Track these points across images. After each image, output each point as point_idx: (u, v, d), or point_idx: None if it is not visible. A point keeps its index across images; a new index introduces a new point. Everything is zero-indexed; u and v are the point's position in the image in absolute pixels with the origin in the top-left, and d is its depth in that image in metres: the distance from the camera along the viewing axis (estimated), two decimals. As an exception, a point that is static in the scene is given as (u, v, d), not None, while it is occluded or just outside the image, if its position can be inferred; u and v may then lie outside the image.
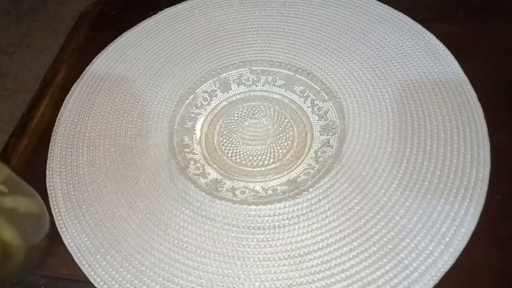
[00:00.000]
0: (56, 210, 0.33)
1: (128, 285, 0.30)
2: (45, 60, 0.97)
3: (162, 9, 0.47)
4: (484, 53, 0.40)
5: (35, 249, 0.32)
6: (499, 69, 0.39)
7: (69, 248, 0.32)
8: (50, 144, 0.37)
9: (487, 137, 0.34)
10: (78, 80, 0.41)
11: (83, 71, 0.42)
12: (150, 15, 0.46)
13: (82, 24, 0.48)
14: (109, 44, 0.44)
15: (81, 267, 0.31)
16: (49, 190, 0.34)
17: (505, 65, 0.39)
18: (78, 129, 0.38)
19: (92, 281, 0.31)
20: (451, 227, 0.30)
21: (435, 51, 0.40)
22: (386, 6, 0.44)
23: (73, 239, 0.32)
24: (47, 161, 0.36)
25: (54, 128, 0.38)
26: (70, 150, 0.37)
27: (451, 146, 0.34)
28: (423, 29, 0.41)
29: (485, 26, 0.42)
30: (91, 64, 0.42)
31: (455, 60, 0.39)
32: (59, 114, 0.39)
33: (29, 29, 1.01)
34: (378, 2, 0.44)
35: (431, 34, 0.41)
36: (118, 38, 0.44)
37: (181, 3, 0.47)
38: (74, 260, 0.31)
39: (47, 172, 0.35)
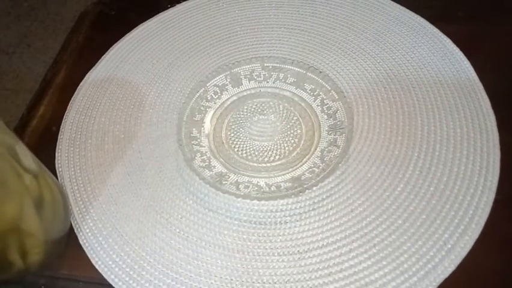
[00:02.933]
0: (63, 190, 0.34)
1: (128, 269, 0.30)
2: (45, 60, 0.96)
3: (179, 2, 0.47)
4: (484, 52, 0.40)
5: (55, 244, 0.30)
6: (499, 68, 0.38)
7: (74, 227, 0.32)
8: (61, 126, 0.38)
9: (497, 146, 0.33)
10: (93, 67, 0.42)
11: (83, 71, 0.42)
12: (167, 8, 0.47)
13: (82, 24, 0.48)
14: (108, 44, 0.44)
15: (84, 248, 0.32)
16: (58, 171, 0.35)
17: (506, 65, 0.38)
18: (89, 114, 0.39)
19: (94, 263, 0.31)
20: (454, 234, 0.29)
21: (451, 56, 0.39)
22: (403, 8, 0.43)
23: (76, 219, 0.33)
24: (57, 142, 0.37)
25: (66, 111, 0.39)
26: (79, 133, 0.38)
27: (460, 152, 0.33)
28: (440, 33, 0.41)
29: (486, 26, 0.42)
30: (107, 52, 0.43)
31: (471, 66, 0.38)
32: (72, 98, 0.40)
33: (29, 29, 1.00)
34: (396, 4, 0.44)
35: (447, 38, 0.40)
36: (134, 29, 0.45)
37: (198, -3, 0.47)
38: (74, 260, 0.32)
39: (56, 154, 0.36)
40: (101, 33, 0.47)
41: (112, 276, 0.30)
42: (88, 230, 0.32)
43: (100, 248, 0.31)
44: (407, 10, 0.43)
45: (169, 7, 0.47)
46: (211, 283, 0.30)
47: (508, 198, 0.31)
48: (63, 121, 0.38)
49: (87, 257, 0.31)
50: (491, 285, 0.29)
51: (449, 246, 0.29)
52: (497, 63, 0.39)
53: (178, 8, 0.47)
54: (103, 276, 0.31)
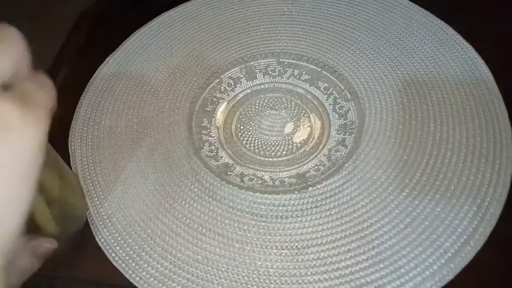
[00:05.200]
0: (74, 167, 0.36)
1: (128, 249, 0.31)
2: (45, 60, 0.97)
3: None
4: (484, 53, 0.39)
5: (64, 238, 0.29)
6: (500, 69, 0.37)
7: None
8: (77, 107, 0.39)
9: (511, 158, 0.32)
10: (114, 51, 0.43)
11: (83, 71, 0.42)
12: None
13: (82, 24, 0.48)
14: (108, 44, 0.44)
15: (90, 225, 0.33)
16: (70, 149, 0.37)
17: (506, 65, 0.38)
18: (105, 97, 0.40)
19: (97, 240, 0.32)
20: (456, 243, 0.29)
21: (472, 64, 0.38)
22: (427, 12, 0.43)
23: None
24: (72, 121, 0.38)
25: (84, 92, 0.40)
26: (94, 113, 0.39)
27: (471, 162, 0.33)
28: (463, 39, 0.40)
29: (486, 27, 0.41)
30: (128, 39, 0.44)
31: (492, 75, 0.37)
32: (92, 79, 0.41)
33: (29, 29, 1.01)
34: (420, 8, 0.43)
35: (470, 46, 0.39)
36: (156, 18, 0.46)
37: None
38: (73, 260, 0.32)
39: (70, 132, 0.37)
40: (101, 33, 0.47)
41: (113, 255, 0.31)
42: (93, 208, 0.33)
43: (104, 226, 0.32)
44: (431, 14, 0.42)
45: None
46: (208, 270, 0.30)
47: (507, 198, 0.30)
48: (79, 101, 0.40)
49: (86, 257, 0.32)
50: (491, 286, 0.28)
51: (450, 254, 0.28)
52: (493, 64, 0.38)
53: (201, -1, 0.48)
54: (102, 276, 0.31)
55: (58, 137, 0.37)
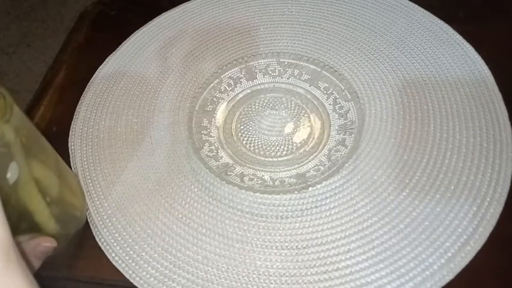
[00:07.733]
0: (74, 167, 0.36)
1: (128, 249, 0.31)
2: (45, 60, 0.95)
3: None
4: (483, 53, 0.39)
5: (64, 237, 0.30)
6: (500, 69, 0.37)
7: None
8: (77, 107, 0.39)
9: (511, 158, 0.32)
10: (114, 51, 0.43)
11: (83, 71, 0.42)
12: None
13: (82, 24, 0.48)
14: (108, 44, 0.44)
15: (90, 225, 0.33)
16: (70, 149, 0.37)
17: (506, 65, 0.38)
18: (105, 97, 0.40)
19: (97, 240, 0.32)
20: (456, 243, 0.29)
21: (471, 63, 0.38)
22: (427, 12, 0.43)
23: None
24: (72, 122, 0.38)
25: (84, 92, 0.40)
26: (94, 114, 0.39)
27: (471, 162, 0.33)
28: (463, 40, 0.40)
29: (486, 26, 0.41)
30: (128, 39, 0.44)
31: (492, 75, 0.37)
32: (92, 79, 0.41)
33: (29, 29, 0.99)
34: (420, 8, 0.43)
35: (470, 46, 0.39)
36: (157, 17, 0.46)
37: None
38: (73, 260, 0.32)
39: (70, 132, 0.37)
40: (101, 33, 0.47)
41: (113, 255, 0.31)
42: (93, 208, 0.33)
43: (104, 227, 0.32)
44: (430, 14, 0.42)
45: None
46: (208, 270, 0.30)
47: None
48: (79, 101, 0.40)
49: (86, 257, 0.32)
50: (490, 284, 0.28)
51: (450, 254, 0.28)
52: (493, 64, 0.38)
53: (201, -1, 0.48)
54: (102, 276, 0.31)
55: (58, 137, 0.37)
